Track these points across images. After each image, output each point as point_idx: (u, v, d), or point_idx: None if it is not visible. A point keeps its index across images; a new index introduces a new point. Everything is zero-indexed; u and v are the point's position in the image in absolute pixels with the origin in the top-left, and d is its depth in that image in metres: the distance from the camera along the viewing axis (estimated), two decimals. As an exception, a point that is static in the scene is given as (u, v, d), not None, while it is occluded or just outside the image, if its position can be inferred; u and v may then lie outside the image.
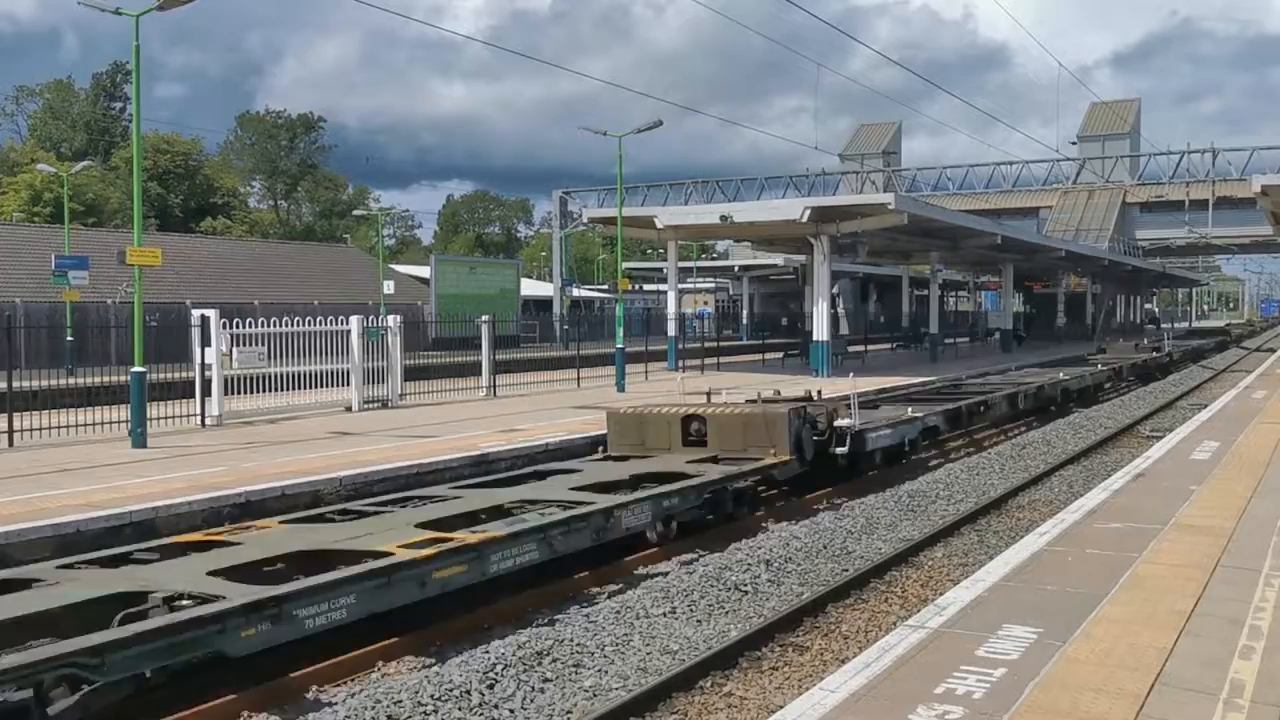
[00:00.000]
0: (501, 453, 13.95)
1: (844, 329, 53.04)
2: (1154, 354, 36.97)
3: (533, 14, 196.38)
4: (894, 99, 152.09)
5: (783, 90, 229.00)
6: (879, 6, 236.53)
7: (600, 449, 14.23)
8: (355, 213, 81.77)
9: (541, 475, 12.20)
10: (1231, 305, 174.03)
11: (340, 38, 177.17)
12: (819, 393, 16.27)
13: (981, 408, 19.69)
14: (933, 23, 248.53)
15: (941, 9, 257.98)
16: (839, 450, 14.00)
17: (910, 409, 17.25)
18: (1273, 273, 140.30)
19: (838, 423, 14.20)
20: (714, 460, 12.88)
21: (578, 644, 7.75)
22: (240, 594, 6.79)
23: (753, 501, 12.78)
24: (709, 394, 14.77)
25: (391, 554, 7.91)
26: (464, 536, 8.66)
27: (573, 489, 11.07)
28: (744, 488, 12.35)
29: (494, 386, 23.19)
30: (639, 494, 10.91)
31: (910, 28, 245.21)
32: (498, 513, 10.11)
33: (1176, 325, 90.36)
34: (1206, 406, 20.77)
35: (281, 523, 9.48)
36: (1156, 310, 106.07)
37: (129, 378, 14.78)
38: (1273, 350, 51.85)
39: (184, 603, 6.74)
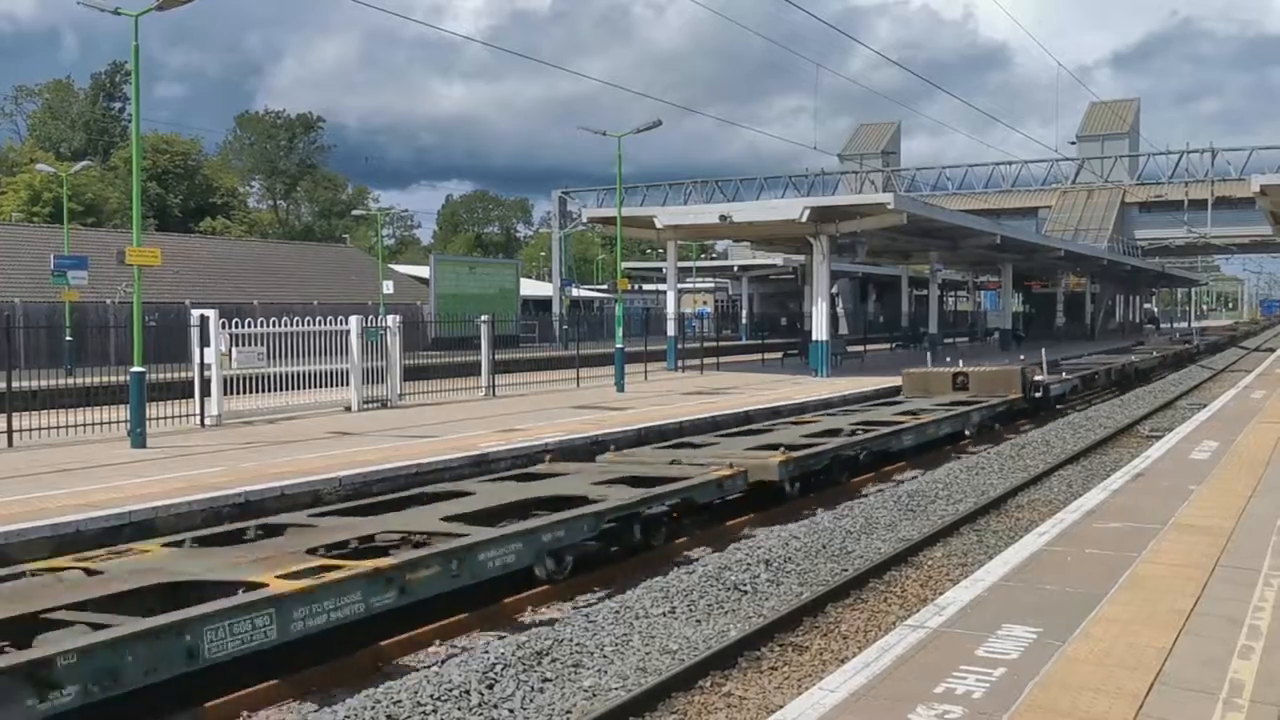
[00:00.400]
0: (501, 453, 13.95)
1: (843, 329, 53.16)
2: (1186, 345, 48.16)
3: (533, 14, 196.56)
4: (893, 99, 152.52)
5: (782, 90, 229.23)
6: (879, 6, 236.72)
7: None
8: (354, 213, 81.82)
9: (890, 404, 20.85)
10: (1230, 305, 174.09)
11: (340, 38, 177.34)
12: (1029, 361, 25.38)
13: (1095, 377, 29.19)
14: (933, 23, 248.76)
15: (941, 9, 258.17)
16: (1036, 394, 23.03)
17: (1063, 374, 27.05)
18: (1272, 272, 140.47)
19: (1036, 378, 23.32)
20: (975, 399, 20.93)
21: (577, 644, 7.75)
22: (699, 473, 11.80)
23: (1005, 420, 21.67)
24: (961, 363, 24.82)
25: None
26: (923, 417, 17.64)
27: (936, 404, 19.93)
28: (1003, 411, 21.31)
29: (493, 386, 23.18)
30: (972, 408, 19.76)
31: (910, 28, 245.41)
32: (879, 424, 16.91)
33: (1176, 325, 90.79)
34: (1205, 406, 20.77)
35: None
36: (1155, 310, 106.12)
37: (128, 378, 14.78)
38: (1272, 350, 51.87)
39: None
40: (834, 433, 15.77)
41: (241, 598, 6.83)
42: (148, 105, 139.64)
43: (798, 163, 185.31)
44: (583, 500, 10.33)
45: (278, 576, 7.17)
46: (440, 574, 7.96)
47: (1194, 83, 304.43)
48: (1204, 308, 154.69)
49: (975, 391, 21.75)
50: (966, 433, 19.34)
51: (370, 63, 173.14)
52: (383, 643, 7.91)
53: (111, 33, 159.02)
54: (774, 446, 13.72)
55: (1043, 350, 27.54)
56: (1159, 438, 16.25)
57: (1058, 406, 24.64)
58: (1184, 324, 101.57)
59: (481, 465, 13.44)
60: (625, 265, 37.45)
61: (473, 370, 23.53)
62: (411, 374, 22.03)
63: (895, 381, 25.65)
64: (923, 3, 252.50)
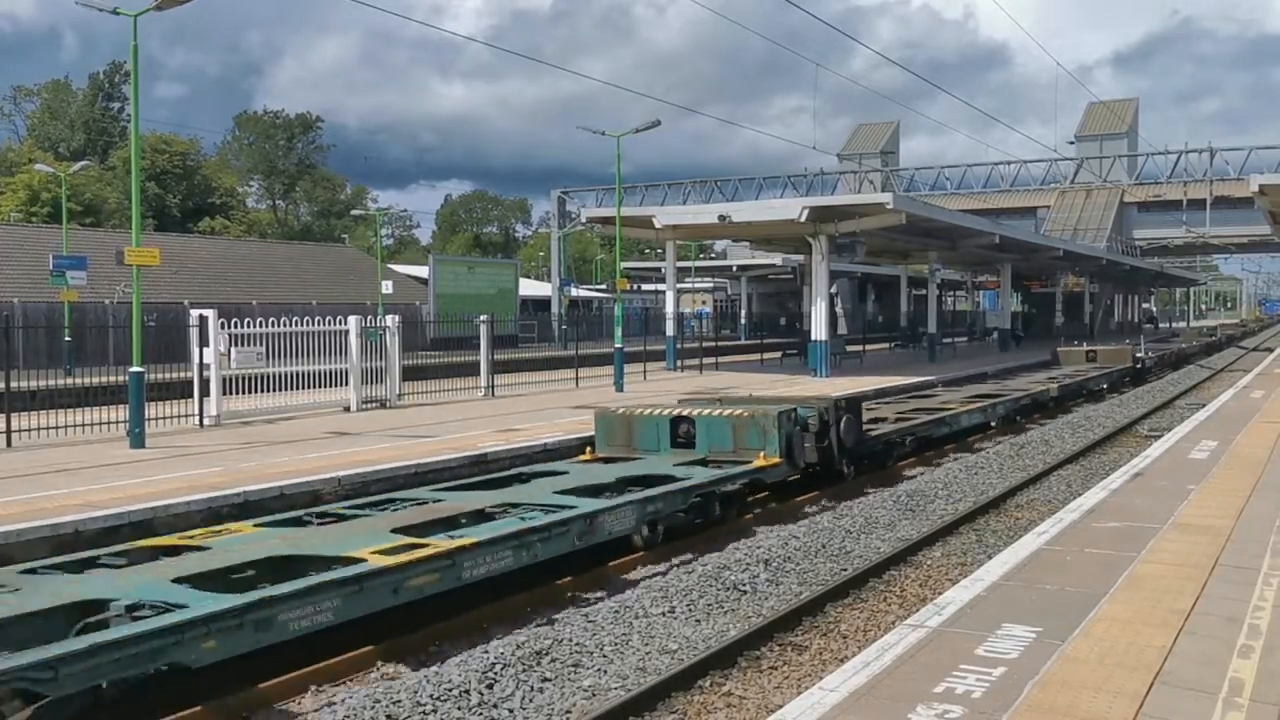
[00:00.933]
0: (500, 452, 13.94)
1: (842, 329, 53.14)
2: (1211, 337, 58.06)
3: (533, 14, 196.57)
4: (894, 100, 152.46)
5: (783, 90, 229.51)
6: (880, 6, 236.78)
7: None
8: (353, 213, 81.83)
9: (1054, 370, 31.13)
10: (1229, 304, 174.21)
11: (340, 37, 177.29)
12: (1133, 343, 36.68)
13: (1165, 356, 38.96)
14: (933, 22, 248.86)
15: (942, 8, 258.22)
16: (1139, 365, 33.01)
17: (1151, 353, 36.31)
18: (1270, 272, 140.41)
19: (1136, 354, 33.49)
20: (1104, 366, 31.53)
21: (577, 644, 7.75)
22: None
23: (1123, 378, 31.49)
24: (1087, 345, 38.41)
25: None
26: (1090, 374, 29.61)
27: (1086, 369, 30.84)
28: (1125, 374, 31.74)
29: (492, 386, 23.18)
30: (1110, 371, 30.88)
31: (911, 27, 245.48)
32: (1079, 375, 29.19)
33: (1175, 324, 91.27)
34: (1205, 406, 20.78)
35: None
36: (1154, 310, 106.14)
37: (127, 378, 14.77)
38: (1271, 350, 51.88)
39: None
40: (1055, 378, 26.71)
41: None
42: (147, 105, 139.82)
43: (798, 162, 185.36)
44: (994, 395, 21.80)
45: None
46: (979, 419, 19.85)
47: (1194, 82, 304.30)
48: (1203, 307, 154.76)
49: (1101, 363, 32.54)
50: (1105, 385, 29.57)
51: (370, 62, 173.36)
52: (381, 644, 7.91)
53: (111, 32, 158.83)
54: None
55: (1141, 337, 41.82)
56: (1158, 437, 16.26)
57: (1147, 375, 35.06)
58: (1183, 323, 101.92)
59: (480, 465, 13.44)
60: (624, 265, 37.43)
61: (472, 370, 23.52)
62: (410, 374, 22.02)
63: (895, 381, 25.75)
64: (923, 2, 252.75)
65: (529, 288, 65.69)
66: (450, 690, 6.83)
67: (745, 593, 9.23)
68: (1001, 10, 66.53)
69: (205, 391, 17.12)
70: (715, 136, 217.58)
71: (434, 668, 7.36)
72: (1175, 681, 5.23)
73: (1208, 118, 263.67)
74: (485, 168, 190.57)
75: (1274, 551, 7.91)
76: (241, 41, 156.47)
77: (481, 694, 6.84)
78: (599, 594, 9.55)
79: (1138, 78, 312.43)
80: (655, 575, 9.95)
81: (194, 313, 17.93)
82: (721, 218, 29.50)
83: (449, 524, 9.51)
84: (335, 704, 6.81)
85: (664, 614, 8.54)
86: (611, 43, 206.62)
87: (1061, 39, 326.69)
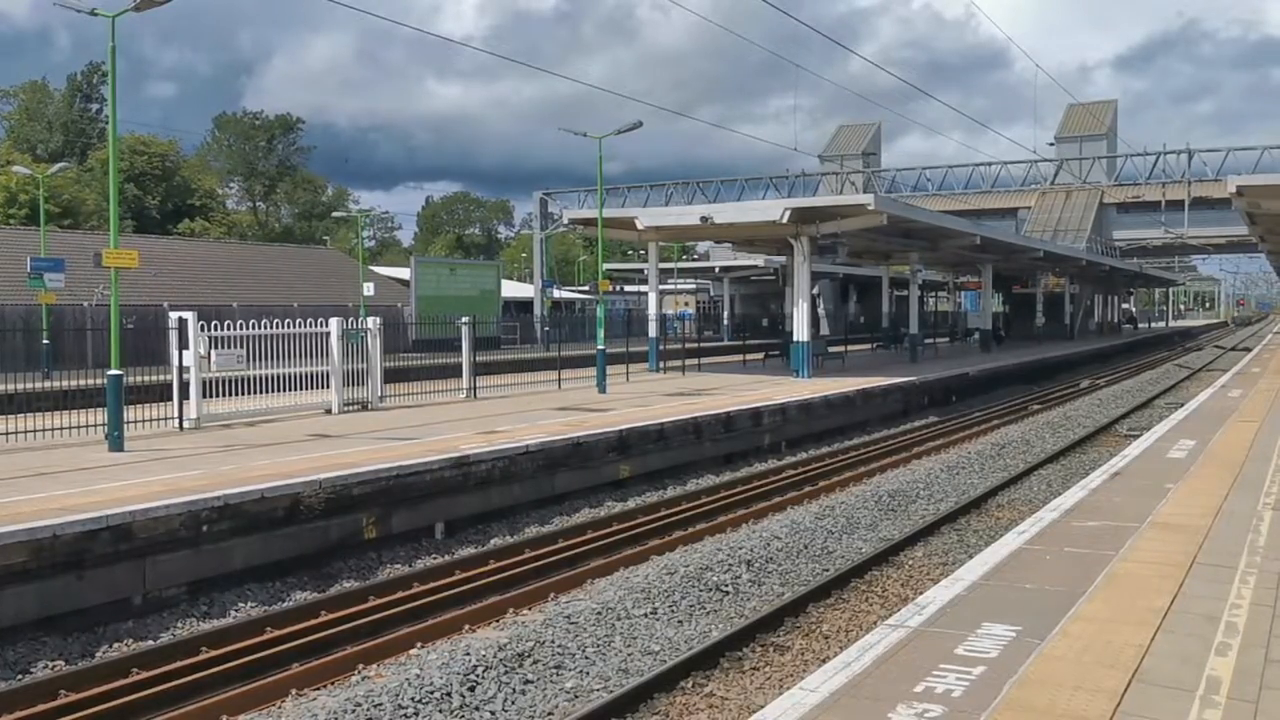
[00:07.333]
0: (483, 454, 13.91)
1: (824, 329, 53.30)
2: (1221, 328, 79.94)
3: (534, 14, 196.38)
4: (891, 100, 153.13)
5: (781, 89, 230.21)
6: (881, 6, 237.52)
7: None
8: (335, 214, 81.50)
9: None
10: (1207, 305, 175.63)
11: (332, 37, 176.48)
12: None
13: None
14: (934, 23, 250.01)
15: (944, 9, 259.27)
16: None
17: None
18: (1248, 272, 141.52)
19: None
20: None
21: (559, 646, 7.75)
22: None
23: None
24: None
25: None
26: None
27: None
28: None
29: (474, 388, 23.11)
30: None
31: (912, 27, 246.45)
32: None
33: (1154, 324, 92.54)
34: (1183, 405, 20.93)
35: None
36: (1133, 310, 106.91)
37: (105, 380, 14.66)
38: (1248, 349, 52.31)
39: None
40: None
41: None
42: (133, 106, 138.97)
43: (787, 164, 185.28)
44: None
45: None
46: None
47: (1193, 83, 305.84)
48: (1181, 307, 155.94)
49: None
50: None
51: (363, 62, 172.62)
52: (362, 645, 7.89)
53: (103, 34, 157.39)
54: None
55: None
56: (1137, 436, 16.37)
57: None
58: (1162, 323, 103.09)
59: (462, 467, 13.40)
60: (607, 266, 37.43)
61: (454, 372, 23.44)
62: (392, 376, 21.93)
63: (880, 382, 25.79)
64: (925, 2, 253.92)
65: (511, 289, 65.59)
66: (432, 693, 6.82)
67: (727, 594, 9.25)
68: (981, 12, 67.01)
69: (185, 394, 16.99)
70: (709, 137, 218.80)
71: (415, 670, 7.34)
72: (1153, 679, 5.27)
73: (1204, 118, 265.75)
74: (474, 169, 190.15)
75: (1251, 550, 7.98)
76: (232, 41, 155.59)
77: (463, 696, 6.83)
78: (581, 596, 9.54)
79: (1137, 78, 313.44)
80: (637, 577, 9.94)
81: (173, 315, 17.79)
82: (704, 219, 29.48)
83: None
84: (316, 707, 6.78)
85: (646, 615, 8.54)
86: (612, 43, 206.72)
87: (1063, 39, 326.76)
